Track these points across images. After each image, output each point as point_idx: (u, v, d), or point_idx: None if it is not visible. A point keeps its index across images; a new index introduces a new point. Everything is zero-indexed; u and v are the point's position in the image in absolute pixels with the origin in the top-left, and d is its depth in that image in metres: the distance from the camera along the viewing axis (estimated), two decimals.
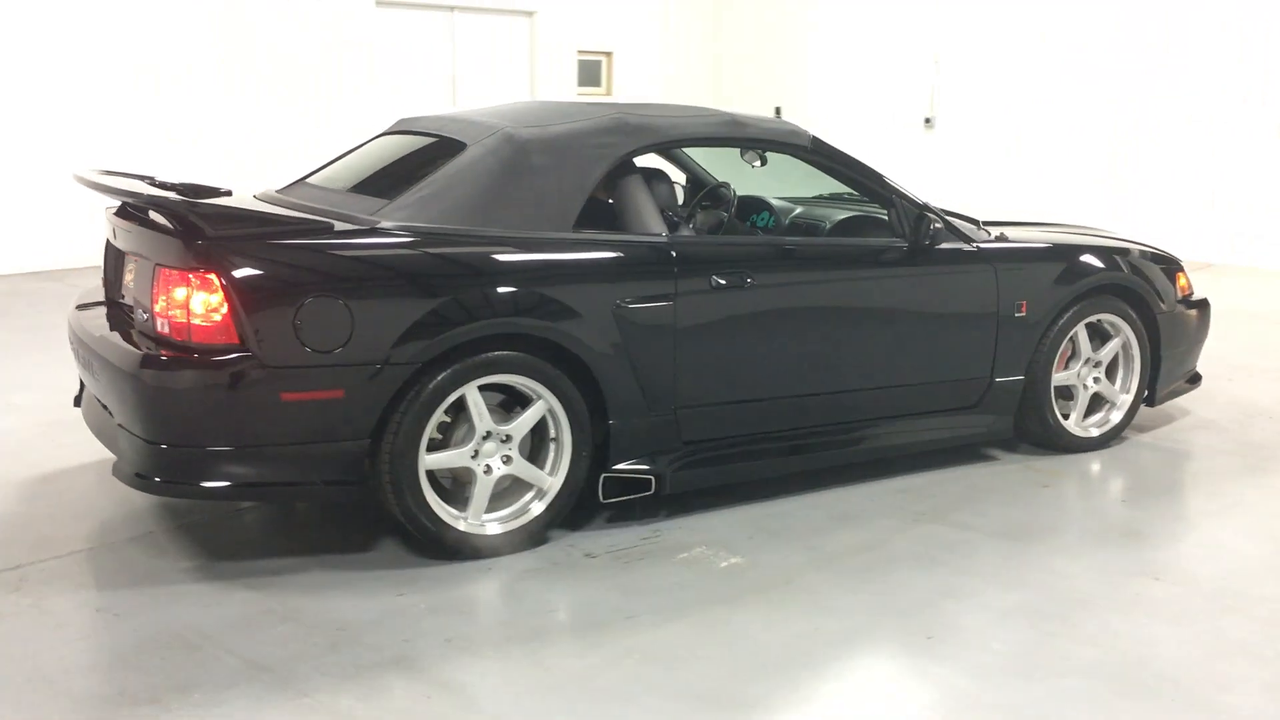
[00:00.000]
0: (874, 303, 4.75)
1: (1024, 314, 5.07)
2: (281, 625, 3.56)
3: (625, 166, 4.42)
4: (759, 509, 4.57)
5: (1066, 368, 5.32)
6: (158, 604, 3.68)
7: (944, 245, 4.90)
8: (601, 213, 4.47)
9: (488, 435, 4.03)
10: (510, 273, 4.02)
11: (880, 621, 3.66)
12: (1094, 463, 5.25)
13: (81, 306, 4.49)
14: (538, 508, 4.14)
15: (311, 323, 3.71)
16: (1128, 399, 5.46)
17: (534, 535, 4.15)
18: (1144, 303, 5.41)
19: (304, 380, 3.72)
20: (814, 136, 4.85)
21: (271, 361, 3.68)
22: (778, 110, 14.39)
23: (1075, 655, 3.45)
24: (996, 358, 5.05)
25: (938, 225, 4.80)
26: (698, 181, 5.90)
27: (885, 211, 4.93)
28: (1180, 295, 5.63)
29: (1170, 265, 5.65)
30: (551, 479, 4.15)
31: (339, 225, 3.95)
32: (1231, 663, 3.42)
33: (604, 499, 4.29)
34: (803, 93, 14.19)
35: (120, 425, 3.86)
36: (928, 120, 13.11)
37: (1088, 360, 5.34)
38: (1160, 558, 4.20)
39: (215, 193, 4.24)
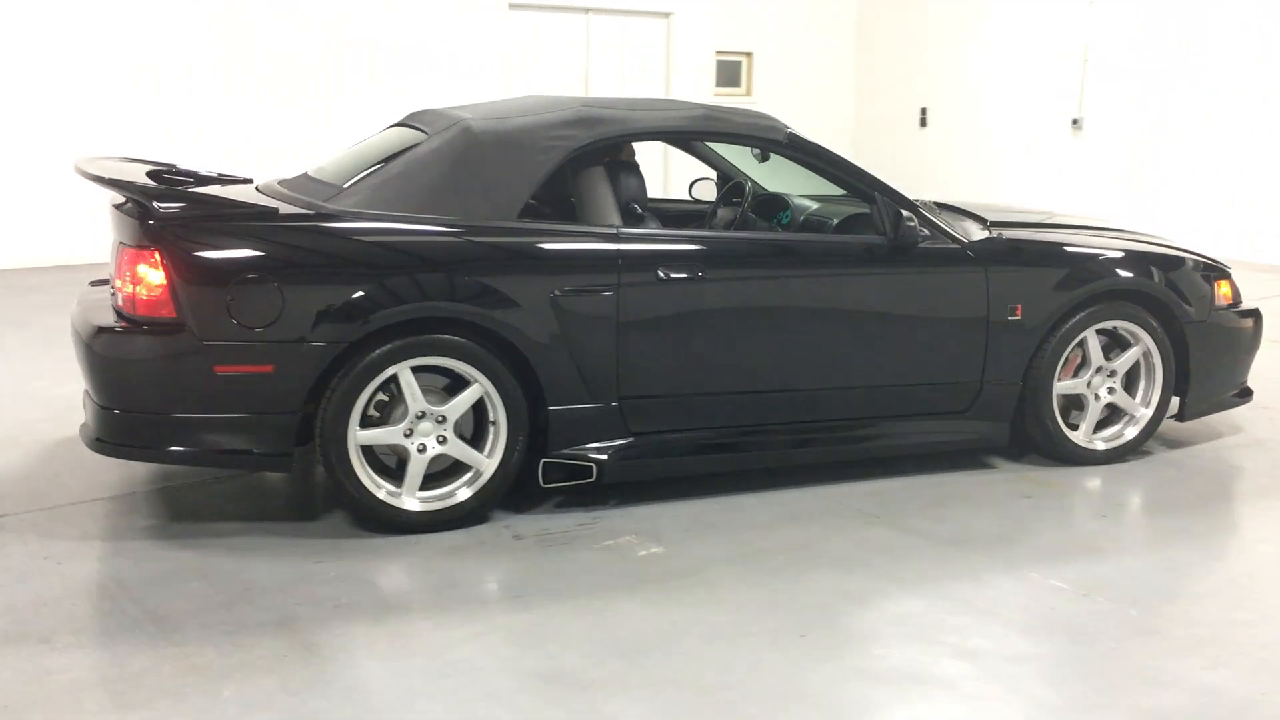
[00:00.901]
0: (842, 301, 4.66)
1: (1019, 318, 4.87)
2: (194, 582, 3.80)
3: (584, 159, 4.50)
4: (712, 502, 4.56)
5: (1076, 375, 5.08)
6: (96, 556, 3.99)
7: (929, 245, 4.77)
8: (562, 204, 4.56)
9: (423, 415, 4.17)
10: (442, 259, 4.16)
11: (764, 617, 3.61)
12: (1096, 477, 4.99)
13: (94, 283, 4.87)
14: (468, 490, 4.26)
15: (243, 300, 3.94)
16: (1147, 412, 5.16)
17: (470, 514, 4.27)
18: (1168, 310, 5.11)
19: (235, 354, 3.96)
20: (791, 131, 4.80)
21: (205, 336, 3.93)
22: (923, 112, 14.07)
23: (933, 668, 3.33)
24: (987, 362, 4.87)
25: (912, 223, 4.66)
26: (725, 178, 5.91)
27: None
28: (1221, 304, 5.29)
29: (1209, 272, 5.31)
30: (488, 461, 4.27)
31: (284, 210, 4.17)
32: (1103, 689, 3.23)
33: (544, 484, 4.38)
34: (948, 94, 13.82)
35: (86, 392, 4.20)
36: (1075, 121, 12.56)
37: (1100, 369, 5.08)
38: (1102, 575, 3.98)
39: (232, 180, 4.57)
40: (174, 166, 5.00)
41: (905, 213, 4.66)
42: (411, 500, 4.22)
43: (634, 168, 4.78)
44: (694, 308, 4.45)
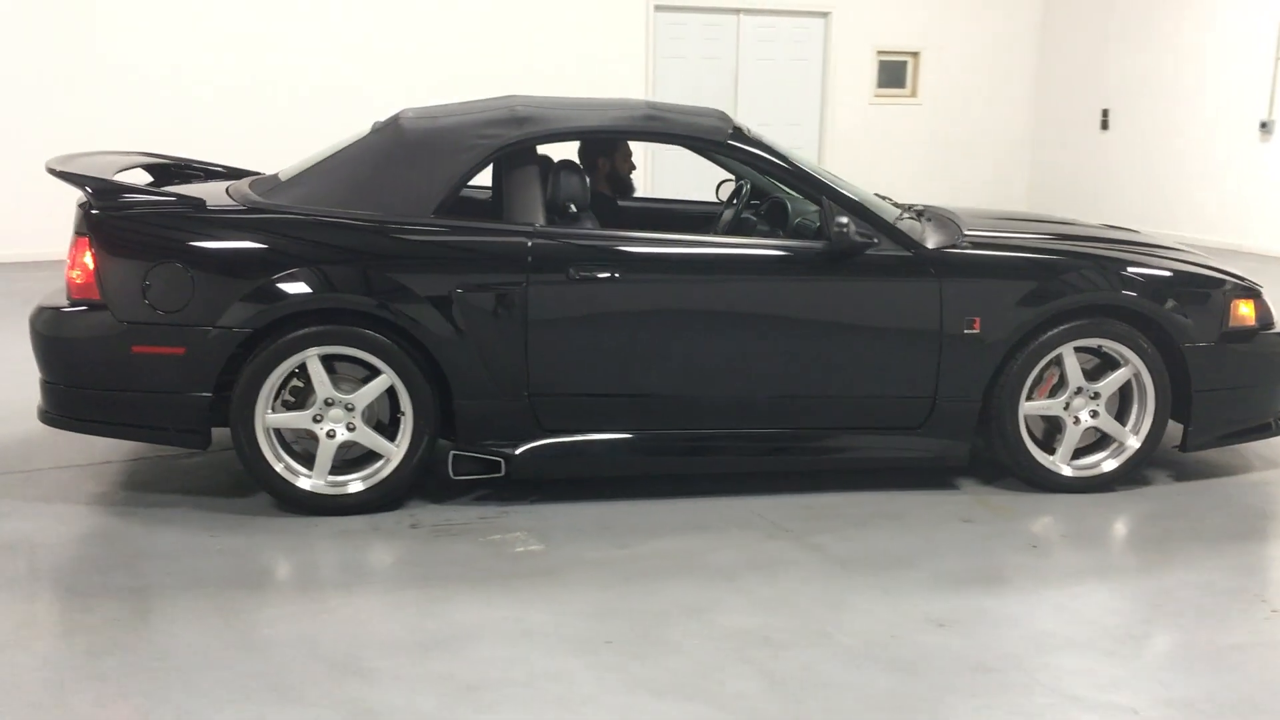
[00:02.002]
0: (770, 308, 4.51)
1: (976, 331, 4.59)
2: (96, 547, 4.09)
3: (514, 158, 4.54)
4: (628, 505, 4.53)
5: (1054, 395, 4.74)
6: (26, 515, 4.34)
7: (877, 251, 4.56)
8: (493, 202, 4.62)
9: (331, 402, 4.33)
10: (348, 252, 4.30)
11: (586, 622, 3.57)
12: (1062, 505, 4.63)
13: None
14: (376, 476, 4.38)
15: (158, 285, 4.21)
16: (1135, 441, 4.76)
17: (376, 500, 4.38)
18: (1161, 330, 4.70)
19: (151, 335, 4.23)
20: (736, 129, 4.69)
21: (123, 317, 4.23)
22: (1104, 114, 13.25)
23: (723, 685, 3.21)
24: (941, 377, 4.61)
25: (842, 229, 4.44)
26: (740, 180, 5.81)
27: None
28: (1240, 324, 4.81)
29: (1226, 290, 4.83)
30: (396, 450, 4.38)
31: (211, 204, 4.40)
32: None
33: (454, 476, 4.46)
34: (1133, 95, 12.95)
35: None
36: (1264, 125, 11.55)
37: (1080, 390, 4.71)
38: (979, 608, 3.71)
39: (237, 176, 4.95)
40: (190, 162, 5.37)
41: (841, 219, 4.46)
42: (320, 483, 4.38)
43: (574, 166, 4.77)
44: (608, 309, 4.42)
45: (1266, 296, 4.99)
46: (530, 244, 4.38)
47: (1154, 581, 3.99)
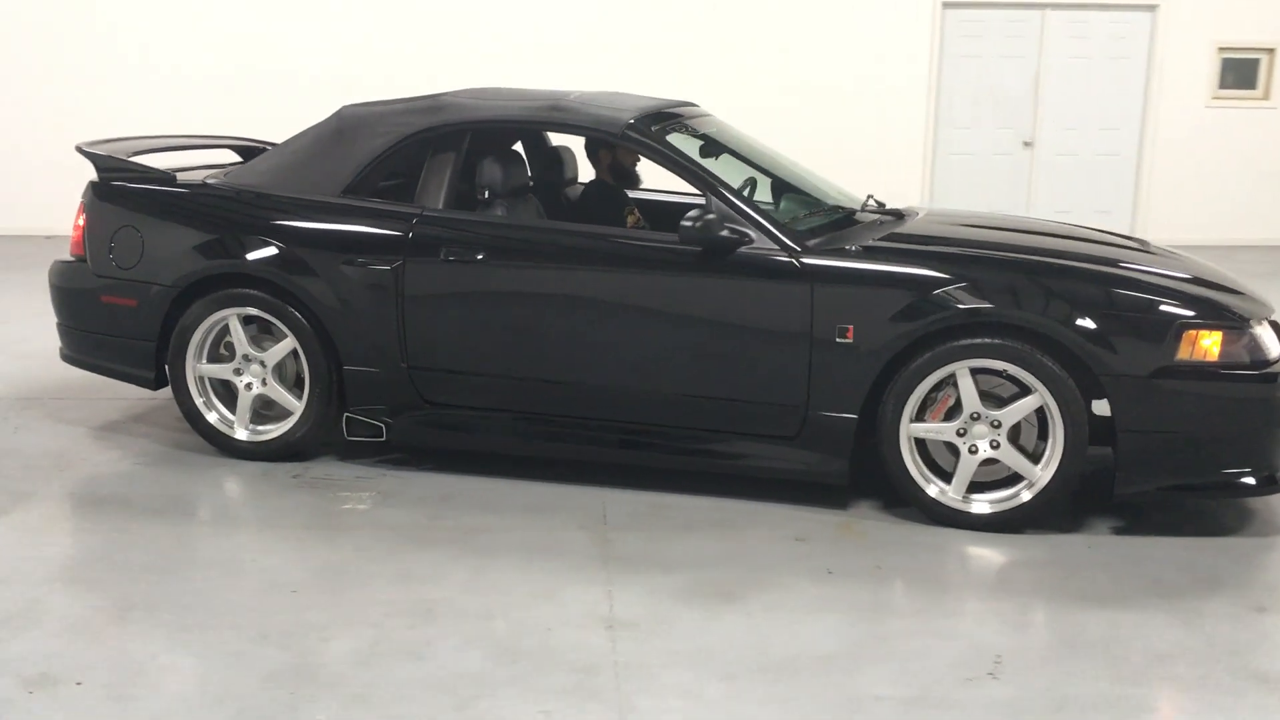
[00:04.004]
0: (631, 298, 4.46)
1: (849, 341, 4.27)
2: (48, 460, 4.90)
3: (428, 145, 4.82)
4: (503, 484, 4.66)
5: (950, 419, 4.30)
6: (19, 429, 5.25)
7: (751, 250, 4.37)
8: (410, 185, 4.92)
9: (248, 358, 4.88)
10: (261, 226, 4.79)
11: (310, 574, 3.87)
12: (939, 539, 4.20)
13: None
14: (279, 428, 4.87)
15: (119, 246, 4.95)
16: (1043, 476, 4.21)
17: (287, 449, 4.87)
18: (1076, 359, 4.12)
19: (113, 288, 4.99)
20: (631, 122, 4.65)
21: (96, 271, 5.02)
22: None
23: (327, 644, 3.38)
24: (813, 387, 4.34)
25: (689, 225, 4.29)
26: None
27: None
28: (1192, 360, 4.10)
29: (1176, 319, 4.12)
30: (299, 406, 4.85)
31: (180, 179, 5.07)
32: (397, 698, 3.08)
33: (347, 436, 4.84)
34: None
35: None
36: None
37: (977, 416, 4.24)
38: (664, 615, 3.55)
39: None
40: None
41: (691, 214, 4.32)
42: (242, 431, 4.94)
43: (500, 157, 4.93)
44: (473, 290, 4.60)
45: (1260, 331, 4.20)
46: (412, 225, 4.66)
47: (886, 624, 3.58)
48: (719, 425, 4.50)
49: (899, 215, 4.96)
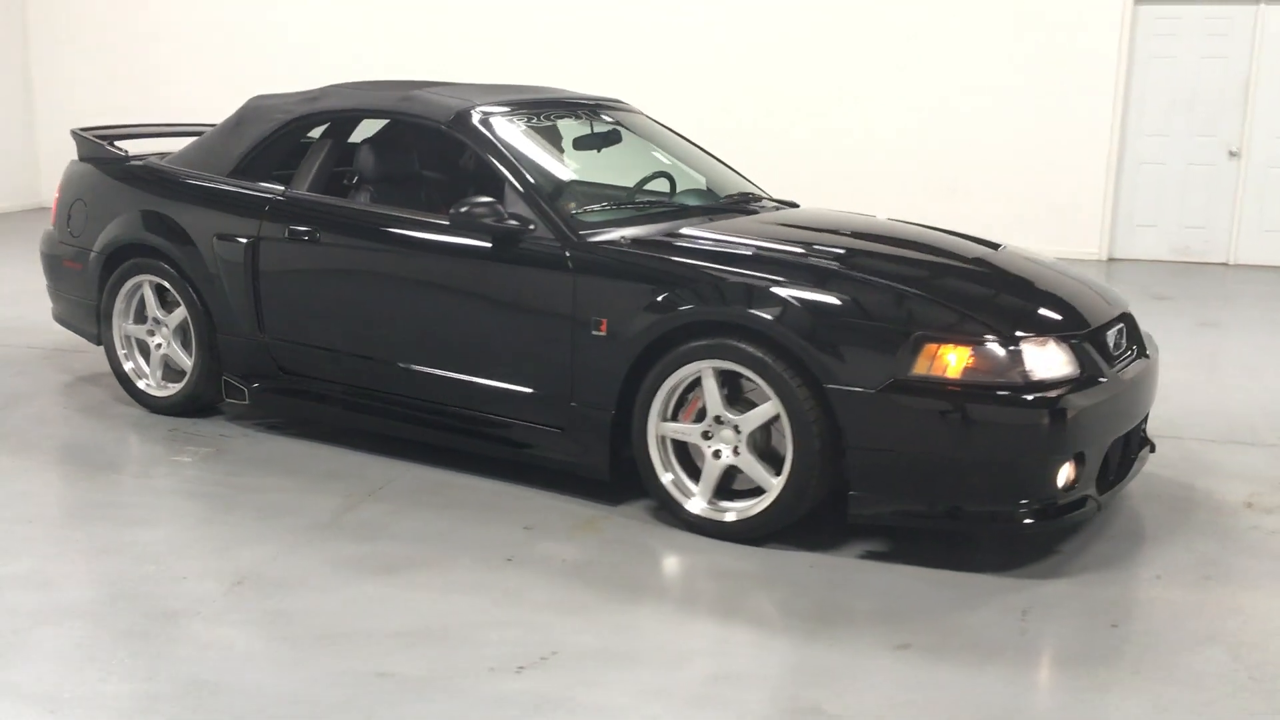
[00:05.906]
0: (431, 282, 4.62)
1: (603, 334, 4.22)
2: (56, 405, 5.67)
3: (302, 131, 5.21)
4: (353, 457, 4.90)
5: (699, 421, 4.15)
6: (34, 376, 6.08)
7: (534, 240, 4.41)
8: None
9: (157, 321, 5.43)
10: (160, 201, 5.32)
11: (61, 510, 4.32)
12: (666, 543, 4.08)
13: None
14: (181, 386, 5.37)
15: (74, 216, 5.66)
16: (775, 485, 3.99)
17: (184, 403, 5.36)
18: (803, 365, 3.88)
19: (70, 254, 5.69)
20: (458, 115, 4.76)
21: (61, 239, 5.76)
22: None
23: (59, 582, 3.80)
24: (575, 378, 4.32)
25: (457, 212, 4.37)
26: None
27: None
28: (927, 376, 3.76)
29: (914, 329, 3.79)
30: (191, 365, 5.34)
31: (131, 162, 5.67)
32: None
33: (225, 398, 5.28)
34: None
35: None
36: None
37: (720, 420, 4.06)
38: (278, 610, 3.69)
39: None
40: None
41: (476, 202, 4.39)
42: (154, 386, 5.50)
43: (372, 146, 5.18)
44: (310, 268, 4.91)
45: (1029, 348, 3.78)
46: (268, 204, 5.03)
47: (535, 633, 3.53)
48: (505, 412, 4.56)
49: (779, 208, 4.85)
